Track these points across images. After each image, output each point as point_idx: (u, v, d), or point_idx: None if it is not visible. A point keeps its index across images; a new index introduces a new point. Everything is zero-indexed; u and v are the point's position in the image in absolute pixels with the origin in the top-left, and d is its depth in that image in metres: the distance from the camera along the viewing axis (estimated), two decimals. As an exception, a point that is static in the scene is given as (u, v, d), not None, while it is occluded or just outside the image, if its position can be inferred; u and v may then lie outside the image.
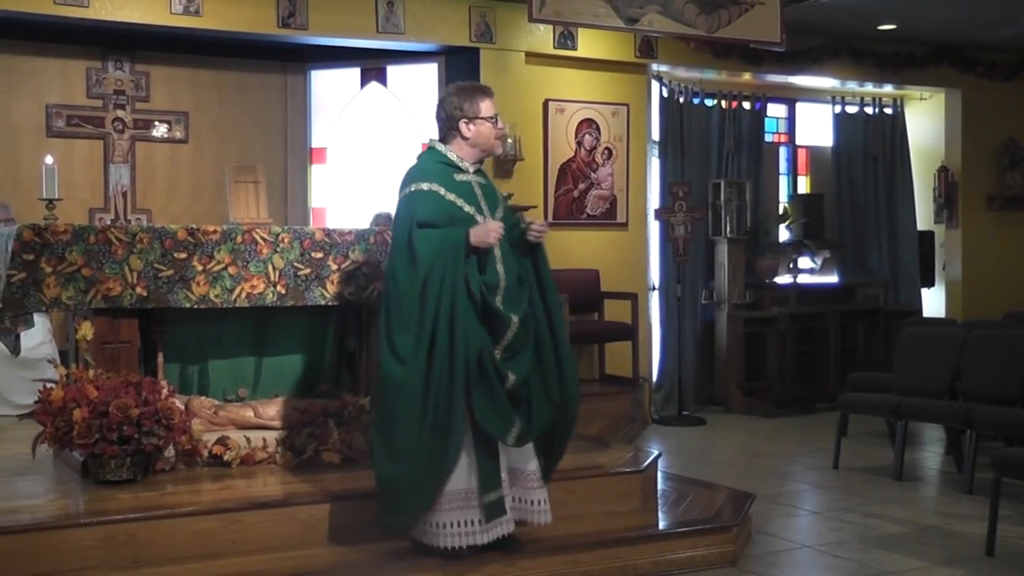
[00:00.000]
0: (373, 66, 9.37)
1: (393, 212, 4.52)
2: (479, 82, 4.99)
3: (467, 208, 4.48)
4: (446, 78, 9.09)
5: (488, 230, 4.42)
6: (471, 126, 4.54)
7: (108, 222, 8.37)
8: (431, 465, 4.31)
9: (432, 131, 4.74)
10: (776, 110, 11.29)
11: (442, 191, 4.45)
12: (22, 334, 5.20)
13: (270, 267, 5.40)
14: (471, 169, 4.60)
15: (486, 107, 4.56)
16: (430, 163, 4.55)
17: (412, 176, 4.51)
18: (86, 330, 5.06)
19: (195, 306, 5.27)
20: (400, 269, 4.36)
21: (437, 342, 4.27)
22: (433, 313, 4.28)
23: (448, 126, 4.56)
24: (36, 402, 4.83)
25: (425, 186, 4.43)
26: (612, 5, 7.82)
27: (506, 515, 4.51)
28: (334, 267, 5.53)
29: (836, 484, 6.97)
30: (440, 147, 4.58)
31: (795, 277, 10.89)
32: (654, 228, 10.05)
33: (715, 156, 10.53)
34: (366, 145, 9.33)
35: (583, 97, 9.54)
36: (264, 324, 5.76)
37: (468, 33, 8.96)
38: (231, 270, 5.31)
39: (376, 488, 4.43)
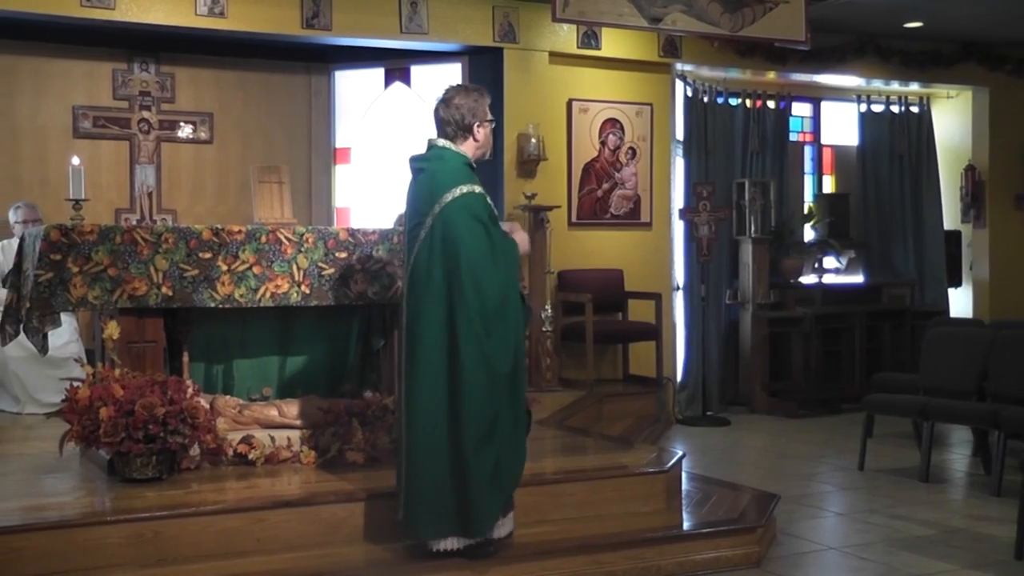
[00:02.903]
0: (397, 66, 9.38)
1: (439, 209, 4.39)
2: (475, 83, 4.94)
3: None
4: (470, 78, 9.09)
5: (525, 236, 4.62)
6: (481, 129, 4.53)
7: (134, 222, 8.43)
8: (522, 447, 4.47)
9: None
10: (801, 109, 11.24)
11: (486, 195, 4.47)
12: (49, 333, 5.25)
13: (294, 267, 5.42)
14: None
15: (489, 109, 4.59)
16: (461, 164, 4.48)
17: (459, 177, 4.41)
18: (112, 329, 5.09)
19: (220, 306, 5.30)
20: (488, 274, 4.32)
21: (520, 343, 4.43)
22: (515, 315, 4.38)
23: (462, 128, 4.49)
24: (63, 401, 4.86)
25: (478, 189, 4.42)
26: (636, 4, 7.79)
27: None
28: (358, 267, 5.55)
29: (862, 485, 6.93)
30: (455, 148, 4.50)
31: (820, 277, 10.83)
32: (678, 228, 10.01)
33: (739, 155, 10.50)
34: (390, 145, 9.34)
35: (607, 97, 9.52)
36: (288, 323, 5.79)
37: (492, 33, 8.96)
38: (256, 270, 5.34)
39: (480, 481, 4.34)
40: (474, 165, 4.54)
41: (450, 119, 4.48)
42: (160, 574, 4.27)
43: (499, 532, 4.49)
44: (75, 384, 4.87)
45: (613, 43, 9.35)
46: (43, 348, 5.33)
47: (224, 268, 5.28)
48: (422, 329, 4.35)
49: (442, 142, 4.51)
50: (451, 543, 4.39)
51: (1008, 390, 6.85)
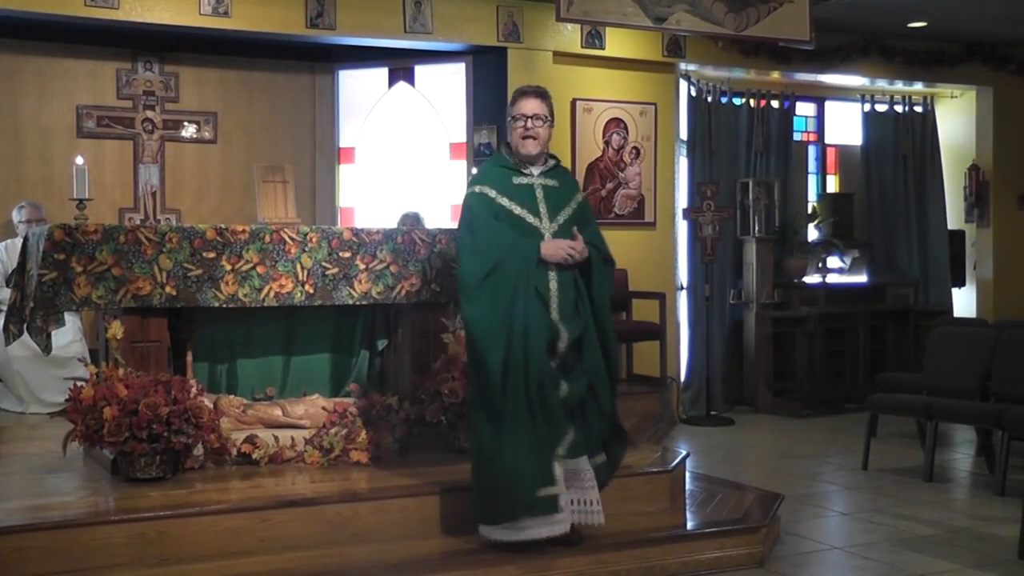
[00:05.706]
0: (401, 66, 9.38)
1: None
2: (526, 84, 5.01)
3: (517, 210, 4.61)
4: (474, 78, 9.09)
5: (558, 247, 4.53)
6: (512, 127, 4.72)
7: (138, 222, 8.45)
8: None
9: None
10: (805, 109, 11.22)
11: (492, 193, 4.61)
12: (53, 333, 5.25)
13: (298, 266, 5.42)
14: (535, 172, 4.71)
15: (517, 107, 4.70)
16: (491, 167, 4.79)
17: (473, 179, 4.82)
18: (116, 329, 5.10)
19: (224, 305, 5.30)
20: (466, 265, 4.54)
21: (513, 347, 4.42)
22: (505, 312, 4.42)
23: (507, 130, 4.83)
24: (67, 400, 4.86)
25: (478, 189, 4.65)
26: (640, 4, 7.79)
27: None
28: (362, 266, 5.55)
29: (865, 485, 6.92)
30: (502, 151, 4.81)
31: (824, 277, 10.82)
32: (682, 228, 10.01)
33: (743, 155, 10.49)
34: (394, 145, 9.34)
35: (611, 96, 9.52)
36: (292, 323, 5.79)
37: (496, 33, 8.96)
38: (259, 269, 5.34)
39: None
40: (518, 167, 4.69)
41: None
42: (164, 574, 4.28)
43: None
44: (79, 384, 4.87)
45: (617, 43, 9.34)
46: (47, 348, 5.33)
47: (228, 268, 5.28)
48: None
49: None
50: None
51: (1012, 390, 6.85)
